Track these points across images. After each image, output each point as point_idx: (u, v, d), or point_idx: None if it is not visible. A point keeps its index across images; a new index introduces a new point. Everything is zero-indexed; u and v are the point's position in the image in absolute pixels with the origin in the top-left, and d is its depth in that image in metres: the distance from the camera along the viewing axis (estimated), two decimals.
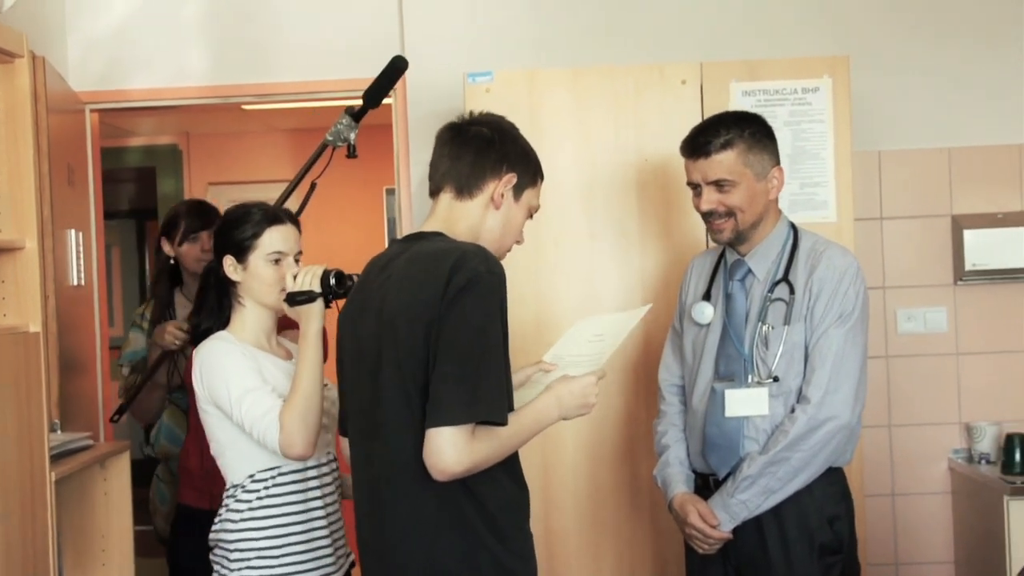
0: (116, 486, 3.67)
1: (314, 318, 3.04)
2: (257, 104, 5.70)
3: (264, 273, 3.12)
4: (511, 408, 2.54)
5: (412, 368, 2.49)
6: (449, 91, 4.32)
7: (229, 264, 3.16)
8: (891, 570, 4.58)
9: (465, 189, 2.69)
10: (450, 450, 2.42)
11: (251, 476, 3.05)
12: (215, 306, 3.22)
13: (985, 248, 4.49)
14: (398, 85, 4.62)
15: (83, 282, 4.33)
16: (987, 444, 4.47)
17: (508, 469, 2.61)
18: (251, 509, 3.05)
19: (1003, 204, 4.58)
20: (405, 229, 4.59)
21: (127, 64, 4.75)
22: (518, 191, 2.71)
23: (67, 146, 4.32)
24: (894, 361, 4.58)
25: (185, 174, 7.17)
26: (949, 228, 4.59)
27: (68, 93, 4.45)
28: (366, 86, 4.47)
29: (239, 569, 3.05)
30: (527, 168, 2.73)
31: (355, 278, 3.00)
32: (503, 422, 2.47)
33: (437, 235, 2.66)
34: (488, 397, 2.44)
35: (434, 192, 2.74)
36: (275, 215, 3.20)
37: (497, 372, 2.47)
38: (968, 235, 4.48)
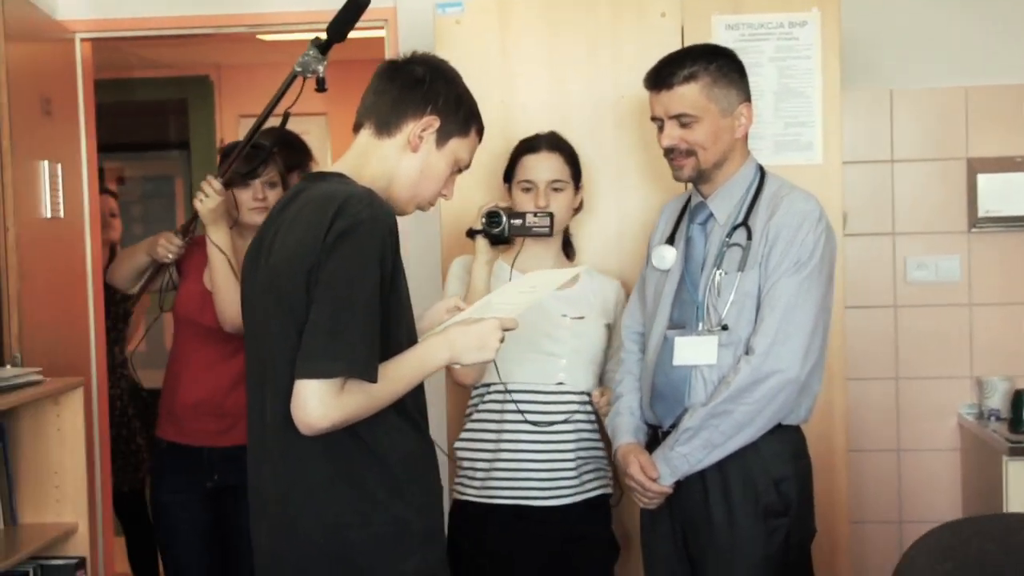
0: (69, 422, 3.63)
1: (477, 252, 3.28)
2: (269, 35, 5.57)
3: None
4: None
5: (296, 315, 2.37)
6: (421, 25, 4.16)
7: None
8: (895, 528, 4.41)
9: (384, 127, 2.57)
10: (315, 403, 2.30)
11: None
12: None
13: (1000, 194, 4.23)
14: (388, 18, 4.47)
15: (61, 214, 4.26)
16: (998, 400, 4.25)
17: (410, 418, 2.50)
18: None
19: (1021, 147, 4.31)
20: None
21: None
22: (442, 138, 2.57)
23: (41, 76, 4.25)
24: (902, 311, 4.37)
25: (216, 106, 7.11)
26: (964, 172, 4.34)
27: (44, 20, 4.37)
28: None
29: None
30: (456, 115, 2.59)
31: (502, 217, 3.23)
32: (370, 379, 2.33)
33: (337, 176, 2.53)
34: (355, 351, 2.31)
35: (356, 127, 2.63)
36: (529, 145, 3.41)
37: (368, 325, 2.33)
38: (982, 179, 4.23)
